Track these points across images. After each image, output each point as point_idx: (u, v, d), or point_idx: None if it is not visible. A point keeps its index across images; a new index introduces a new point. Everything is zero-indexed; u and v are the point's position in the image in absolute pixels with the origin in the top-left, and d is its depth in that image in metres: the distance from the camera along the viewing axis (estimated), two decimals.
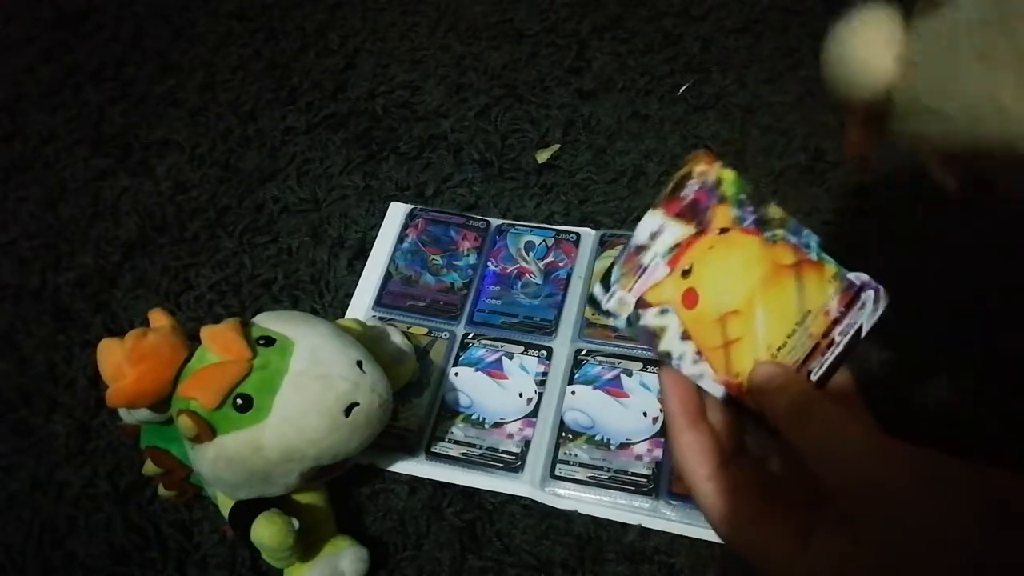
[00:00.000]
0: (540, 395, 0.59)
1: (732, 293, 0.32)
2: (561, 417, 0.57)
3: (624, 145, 0.74)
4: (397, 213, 0.71)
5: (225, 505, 0.50)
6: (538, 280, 0.65)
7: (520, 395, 0.59)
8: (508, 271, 0.66)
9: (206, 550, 0.54)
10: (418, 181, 0.74)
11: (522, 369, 0.60)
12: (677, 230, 0.32)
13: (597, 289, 0.31)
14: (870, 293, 0.34)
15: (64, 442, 0.59)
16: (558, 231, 0.68)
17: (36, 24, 0.91)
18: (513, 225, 0.69)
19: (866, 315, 0.33)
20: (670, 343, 0.32)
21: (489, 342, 0.62)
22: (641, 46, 0.82)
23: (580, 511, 0.53)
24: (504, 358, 0.61)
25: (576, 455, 0.55)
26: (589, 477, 0.54)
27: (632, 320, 0.31)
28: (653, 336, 0.31)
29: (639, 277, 0.31)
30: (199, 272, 0.68)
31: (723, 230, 0.32)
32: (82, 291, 0.67)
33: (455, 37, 0.85)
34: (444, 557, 0.53)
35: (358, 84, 0.82)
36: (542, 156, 0.74)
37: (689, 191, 0.32)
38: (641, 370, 0.59)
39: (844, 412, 0.29)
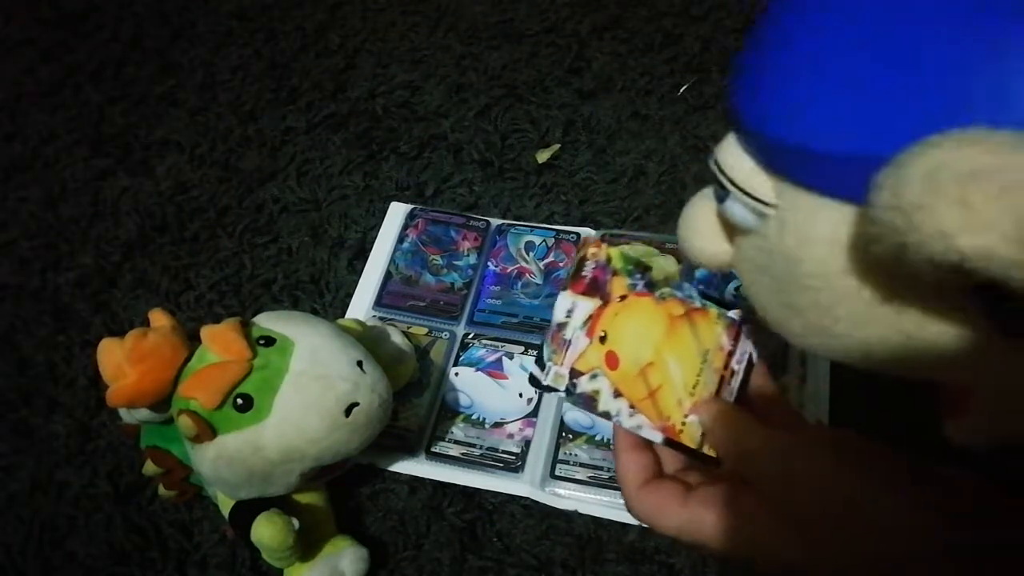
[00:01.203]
0: (540, 395, 0.59)
1: (644, 348, 0.36)
2: (561, 417, 0.57)
3: (624, 145, 0.74)
4: (397, 213, 0.70)
5: (225, 505, 0.50)
6: (538, 280, 0.65)
7: (520, 395, 0.59)
8: (508, 271, 0.66)
9: (206, 550, 0.54)
10: (418, 181, 0.74)
11: (522, 369, 0.60)
12: (586, 305, 0.36)
13: (534, 369, 0.36)
14: (748, 326, 0.39)
15: (64, 442, 0.59)
16: (558, 231, 0.68)
17: (36, 24, 0.91)
18: (513, 225, 0.69)
19: (751, 344, 0.39)
20: (607, 403, 0.36)
21: (489, 342, 0.62)
22: (641, 46, 0.82)
23: (580, 511, 0.53)
24: (504, 358, 0.61)
25: (576, 455, 0.55)
26: (589, 477, 0.54)
27: (571, 389, 0.36)
28: (591, 400, 0.36)
29: (566, 351, 0.36)
30: (199, 272, 0.68)
31: (622, 297, 0.37)
32: (82, 291, 0.67)
33: (455, 37, 0.85)
34: (444, 557, 0.53)
35: (358, 84, 0.82)
36: (542, 156, 0.74)
37: (588, 271, 0.37)
38: None
39: (750, 416, 0.34)
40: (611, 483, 0.54)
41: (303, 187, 0.74)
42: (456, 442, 0.57)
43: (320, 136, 0.78)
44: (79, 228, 0.72)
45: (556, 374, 0.36)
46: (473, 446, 0.57)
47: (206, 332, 0.47)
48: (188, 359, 0.48)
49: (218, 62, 0.85)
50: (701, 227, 0.33)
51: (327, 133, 0.78)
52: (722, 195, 0.29)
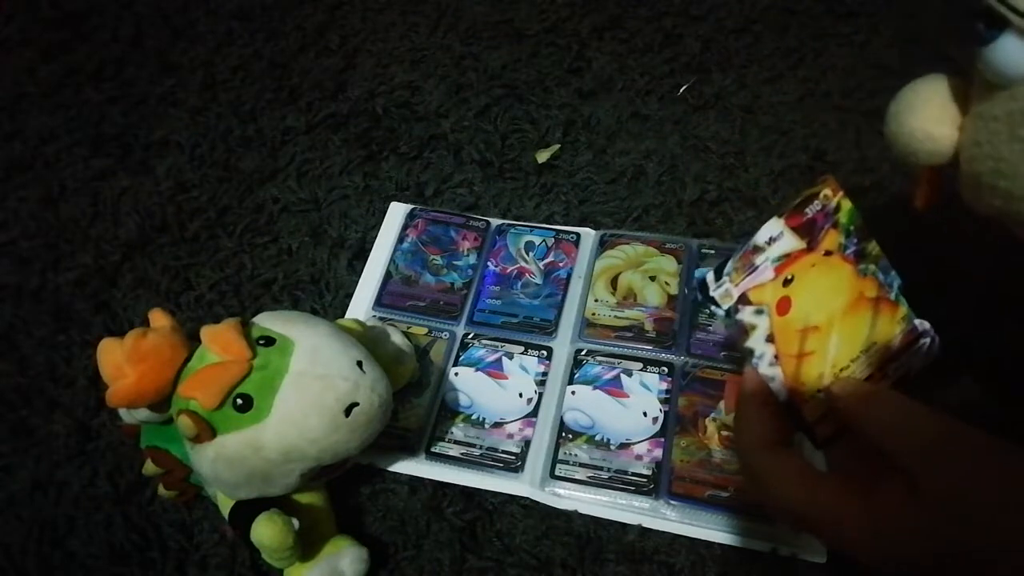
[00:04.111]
0: (540, 395, 0.59)
1: (819, 310, 0.35)
2: (561, 417, 0.57)
3: (624, 145, 0.74)
4: (397, 213, 0.71)
5: (225, 505, 0.50)
6: (538, 280, 0.65)
7: (520, 395, 0.59)
8: (508, 271, 0.66)
9: (206, 550, 0.54)
10: (418, 181, 0.74)
11: (522, 369, 0.60)
12: (791, 241, 0.34)
13: (710, 276, 0.34)
14: (927, 341, 0.37)
15: (64, 442, 0.59)
16: (558, 231, 0.68)
17: (36, 24, 0.91)
18: (513, 225, 0.69)
19: (919, 359, 0.37)
20: (756, 342, 0.34)
21: (489, 342, 0.62)
22: (641, 46, 0.82)
23: (580, 511, 0.53)
24: (504, 358, 0.61)
25: (576, 455, 0.55)
26: (589, 477, 0.54)
27: (731, 312, 0.34)
28: (744, 331, 0.34)
29: (748, 275, 0.34)
30: (199, 272, 0.68)
31: (827, 252, 0.35)
32: (82, 291, 0.67)
33: (455, 37, 0.85)
34: (444, 557, 0.53)
35: (358, 84, 0.82)
36: (542, 156, 0.74)
37: (811, 210, 0.35)
38: (641, 370, 0.59)
39: (912, 398, 0.32)
40: (611, 483, 0.54)
41: (303, 187, 0.74)
42: (456, 442, 0.57)
43: (320, 136, 0.78)
44: (79, 228, 0.72)
45: (726, 292, 0.34)
46: (473, 446, 0.57)
47: (206, 332, 0.47)
48: (188, 359, 0.48)
49: (218, 62, 0.85)
50: (929, 111, 0.30)
51: (327, 133, 0.78)
52: (990, 36, 0.26)
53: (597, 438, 0.56)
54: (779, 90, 0.77)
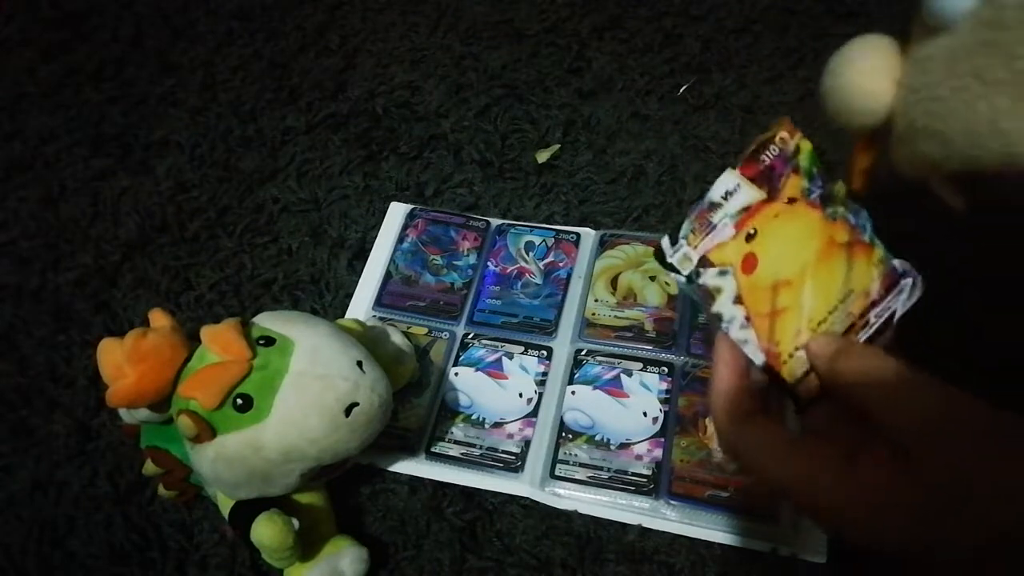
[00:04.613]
0: (540, 395, 0.59)
1: (789, 263, 0.32)
2: (561, 417, 0.57)
3: (624, 145, 0.74)
4: (397, 213, 0.71)
5: (225, 505, 0.50)
6: (538, 280, 0.65)
7: (520, 395, 0.59)
8: (508, 271, 0.66)
9: (206, 550, 0.54)
10: (418, 181, 0.74)
11: (522, 369, 0.60)
12: (749, 193, 0.32)
13: (664, 241, 0.31)
14: (908, 281, 0.35)
15: (64, 442, 0.59)
16: (558, 231, 0.68)
17: (36, 24, 0.91)
18: (513, 225, 0.69)
19: (901, 301, 0.34)
20: (723, 305, 0.32)
21: (489, 342, 0.62)
22: (641, 46, 0.82)
23: (580, 511, 0.53)
24: (504, 358, 0.61)
25: (576, 455, 0.55)
26: (589, 477, 0.54)
27: (692, 277, 0.31)
28: (709, 296, 0.32)
29: (706, 235, 0.31)
30: (199, 272, 0.68)
31: (790, 200, 0.32)
32: (82, 291, 0.67)
33: (455, 37, 0.85)
34: (444, 557, 0.53)
35: (358, 84, 0.82)
36: (542, 156, 0.74)
37: (767, 156, 0.32)
38: (641, 370, 0.59)
39: (909, 365, 0.30)
40: (611, 483, 0.54)
41: (303, 187, 0.74)
42: (456, 442, 0.57)
43: (320, 136, 0.78)
44: (79, 228, 0.72)
45: (684, 255, 0.31)
46: (473, 446, 0.57)
47: (206, 332, 0.47)
48: (188, 359, 0.48)
49: (218, 62, 0.85)
50: (869, 62, 0.30)
51: (327, 133, 0.78)
52: None
53: (597, 438, 0.56)
54: (779, 90, 0.77)
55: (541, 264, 0.66)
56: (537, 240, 0.68)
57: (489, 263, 0.67)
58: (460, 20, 0.87)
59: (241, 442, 0.45)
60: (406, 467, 0.56)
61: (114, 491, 0.56)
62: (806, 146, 0.33)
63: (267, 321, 0.49)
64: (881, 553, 0.28)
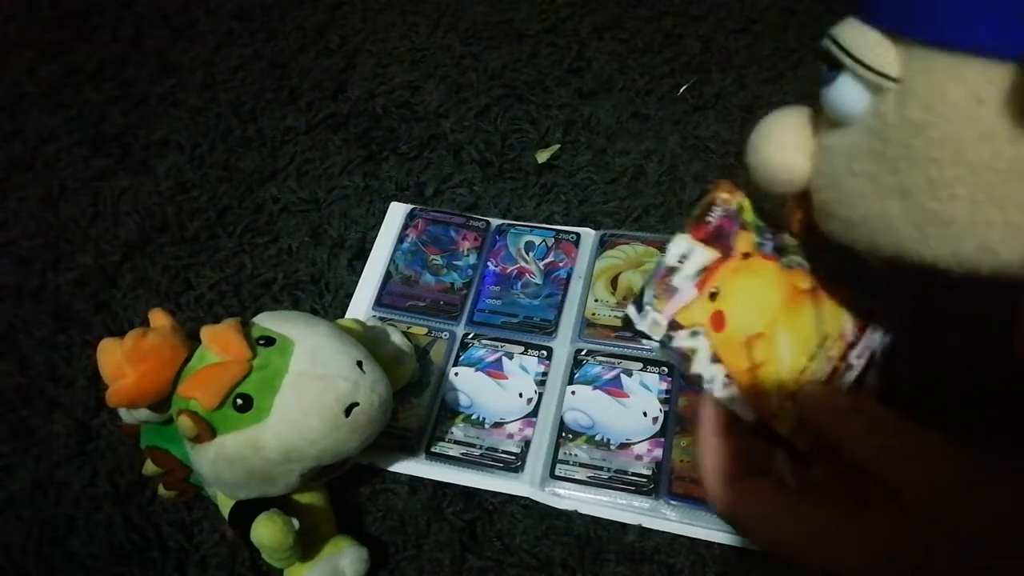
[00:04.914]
0: (540, 395, 0.59)
1: (757, 316, 0.32)
2: (561, 417, 0.57)
3: (624, 145, 0.74)
4: (397, 213, 0.71)
5: (225, 505, 0.50)
6: (538, 280, 0.65)
7: (520, 395, 0.59)
8: (508, 271, 0.66)
9: (206, 550, 0.54)
10: (418, 181, 0.74)
11: (522, 369, 0.60)
12: (704, 255, 0.32)
13: (631, 310, 0.32)
14: (881, 319, 0.35)
15: (64, 442, 0.59)
16: (558, 231, 0.68)
17: (36, 24, 0.91)
18: (513, 225, 0.69)
19: (878, 339, 0.34)
20: (701, 365, 0.32)
21: (489, 342, 0.62)
22: (641, 46, 0.82)
23: (580, 511, 0.53)
24: (504, 358, 0.61)
25: (576, 455, 0.55)
26: (589, 477, 0.54)
27: (665, 342, 0.32)
28: (685, 358, 0.32)
29: (670, 299, 0.32)
30: (199, 272, 0.68)
31: (745, 255, 0.33)
32: (82, 291, 0.67)
33: (455, 37, 0.85)
34: (444, 557, 0.52)
35: (358, 84, 0.82)
36: (542, 156, 0.74)
37: (714, 217, 0.33)
38: (641, 370, 0.59)
39: (900, 415, 0.30)
40: (611, 483, 0.54)
41: (303, 187, 0.74)
42: (456, 442, 0.57)
43: (320, 136, 0.78)
44: (79, 228, 0.72)
45: (654, 321, 0.32)
46: (473, 446, 0.57)
47: (206, 332, 0.47)
48: (188, 359, 0.48)
49: (218, 62, 0.85)
50: (784, 139, 0.31)
51: (327, 133, 0.78)
52: (830, 77, 0.27)
53: (597, 438, 0.56)
54: (779, 90, 0.77)
55: (541, 264, 0.66)
56: (537, 240, 0.68)
57: (489, 263, 0.67)
58: (460, 20, 0.87)
59: (241, 442, 0.45)
60: (406, 467, 0.56)
61: (114, 491, 0.56)
62: (747, 204, 0.34)
63: (267, 321, 0.49)
64: None
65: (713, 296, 0.32)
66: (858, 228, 0.29)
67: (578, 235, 0.68)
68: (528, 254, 0.67)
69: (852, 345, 0.34)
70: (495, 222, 0.69)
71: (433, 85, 0.81)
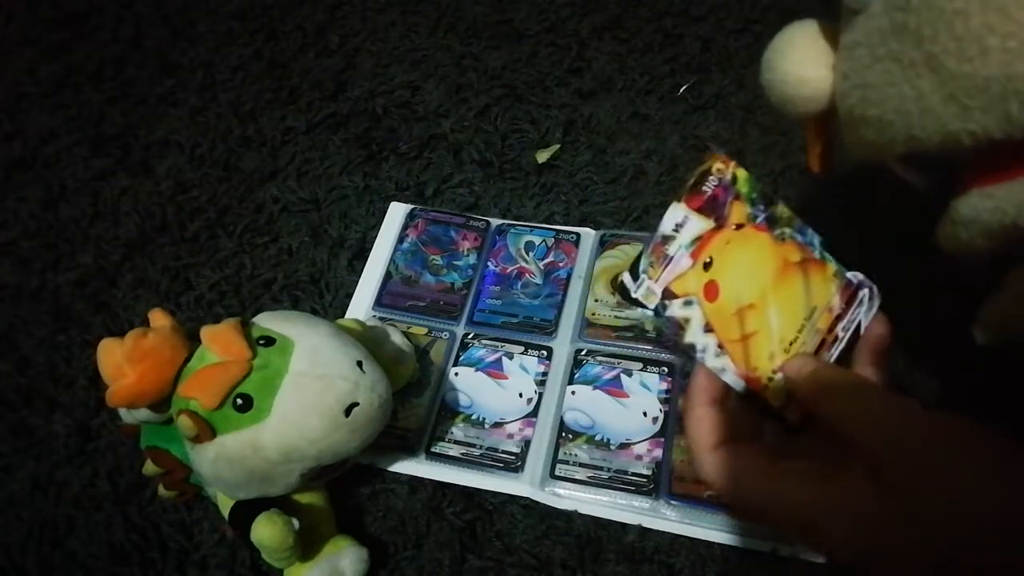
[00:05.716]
0: (540, 395, 0.59)
1: (749, 287, 0.33)
2: (561, 417, 0.57)
3: (624, 145, 0.74)
4: (397, 213, 0.71)
5: (225, 505, 0.50)
6: (538, 280, 0.65)
7: (520, 395, 0.59)
8: (508, 271, 0.66)
9: (206, 550, 0.54)
10: (418, 181, 0.74)
11: (522, 369, 0.60)
12: (698, 223, 0.33)
13: (626, 278, 0.32)
14: (866, 291, 0.35)
15: (64, 442, 0.59)
16: (558, 231, 0.68)
17: (36, 24, 0.91)
18: (513, 225, 0.69)
19: (863, 311, 0.35)
20: (694, 335, 0.32)
21: (489, 342, 0.62)
22: (641, 46, 0.82)
23: (580, 511, 0.53)
24: (504, 358, 0.61)
25: (576, 455, 0.55)
26: (589, 477, 0.54)
27: (659, 310, 0.32)
28: (679, 327, 0.32)
29: (665, 267, 0.32)
30: (199, 272, 0.68)
31: (738, 226, 0.33)
32: (82, 291, 0.67)
33: (455, 37, 0.85)
34: (444, 557, 0.53)
35: (358, 84, 0.82)
36: (542, 156, 0.74)
37: (708, 187, 0.33)
38: (641, 370, 0.58)
39: (883, 388, 0.31)
40: (611, 483, 0.54)
41: (303, 187, 0.74)
42: (456, 442, 0.57)
43: (320, 136, 0.78)
44: (79, 228, 0.72)
45: (648, 290, 0.32)
46: (473, 446, 0.57)
47: (206, 332, 0.47)
48: (188, 359, 0.48)
49: (218, 62, 0.85)
50: (802, 52, 0.29)
51: (327, 133, 0.78)
52: None
53: (597, 438, 0.56)
54: None
55: (541, 264, 0.66)
56: (537, 240, 0.68)
57: (489, 263, 0.67)
58: (460, 20, 0.87)
59: (241, 442, 0.45)
60: (406, 467, 0.56)
61: (114, 491, 0.56)
62: (742, 174, 0.34)
63: (267, 321, 0.49)
64: (867, 571, 0.28)
65: (707, 266, 0.33)
66: (893, 125, 0.28)
67: (578, 235, 0.68)
68: (528, 254, 0.67)
69: (839, 318, 0.34)
70: (495, 222, 0.69)
71: (433, 85, 0.81)
